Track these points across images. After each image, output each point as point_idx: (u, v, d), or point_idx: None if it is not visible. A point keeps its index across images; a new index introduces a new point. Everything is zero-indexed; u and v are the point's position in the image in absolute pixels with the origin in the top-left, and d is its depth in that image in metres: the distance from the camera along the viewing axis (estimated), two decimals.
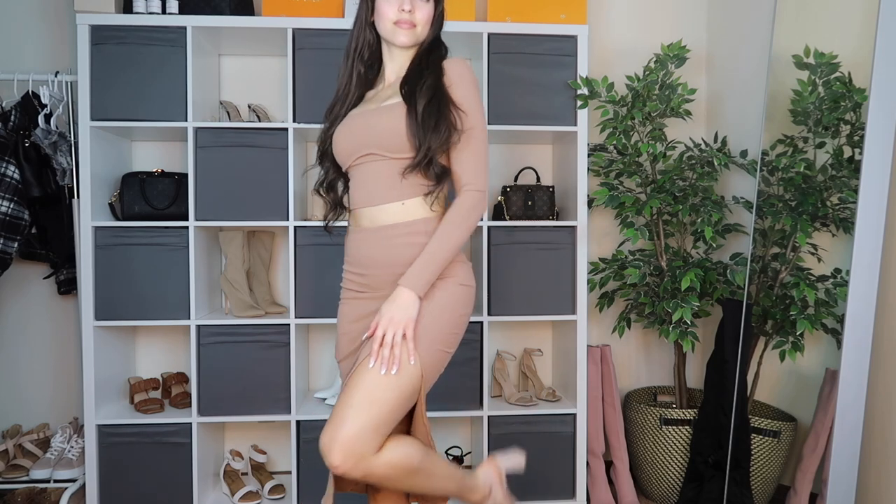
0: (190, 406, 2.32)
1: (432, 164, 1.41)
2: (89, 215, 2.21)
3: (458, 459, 2.47)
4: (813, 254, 2.26)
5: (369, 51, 1.53)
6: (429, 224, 1.44)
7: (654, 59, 2.39)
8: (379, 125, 1.43)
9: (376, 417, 1.32)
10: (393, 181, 1.43)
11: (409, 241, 1.43)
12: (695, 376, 2.76)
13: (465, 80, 1.44)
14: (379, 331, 1.36)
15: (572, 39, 2.32)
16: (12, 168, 2.27)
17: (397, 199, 1.44)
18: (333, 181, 1.56)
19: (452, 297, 1.44)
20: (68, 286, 2.46)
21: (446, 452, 2.52)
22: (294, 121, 2.25)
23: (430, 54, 1.49)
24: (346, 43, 1.55)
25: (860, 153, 1.88)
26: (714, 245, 2.37)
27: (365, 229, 1.48)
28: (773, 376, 2.44)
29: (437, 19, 1.50)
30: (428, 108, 1.38)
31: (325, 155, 1.55)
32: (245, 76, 2.59)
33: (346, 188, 1.56)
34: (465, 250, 2.63)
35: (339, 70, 1.57)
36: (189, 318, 2.24)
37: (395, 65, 1.53)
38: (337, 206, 1.60)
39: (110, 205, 2.35)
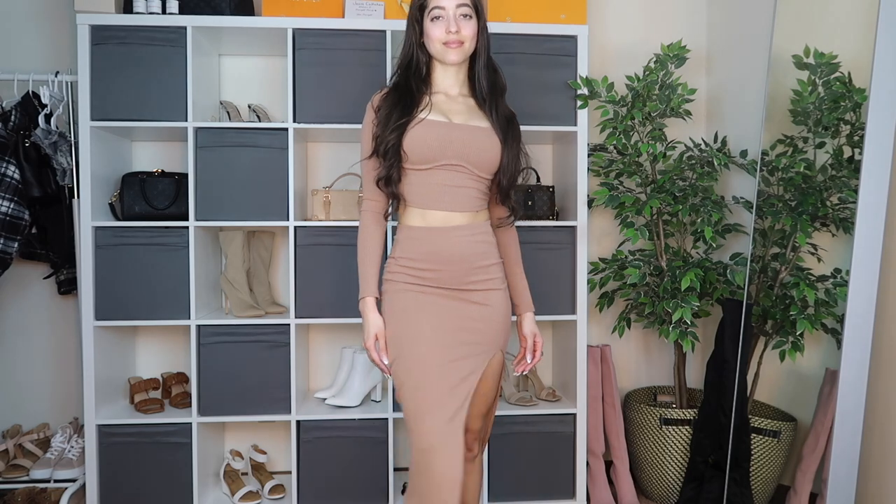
0: (190, 406, 2.32)
1: (509, 198, 1.69)
2: (89, 215, 2.21)
3: None
4: (813, 254, 2.26)
5: (426, 68, 1.66)
6: (489, 227, 1.68)
7: (654, 59, 2.39)
8: (481, 145, 1.59)
9: None
10: (471, 193, 1.62)
11: (480, 239, 1.63)
12: (695, 376, 2.76)
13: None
14: (539, 350, 1.75)
15: (572, 39, 2.32)
16: (12, 168, 2.27)
17: (472, 209, 1.62)
18: (393, 175, 1.61)
19: (506, 299, 1.70)
20: (68, 286, 2.46)
21: None
22: (294, 121, 2.25)
23: (499, 87, 1.68)
24: (399, 59, 1.68)
25: (860, 153, 1.88)
26: (714, 245, 2.37)
27: (435, 228, 1.60)
28: (773, 376, 2.44)
29: (482, 31, 1.63)
30: (517, 157, 1.67)
31: (389, 152, 1.59)
32: (245, 76, 2.59)
33: (400, 179, 1.63)
34: None
35: (392, 79, 1.69)
36: (189, 318, 2.24)
37: (450, 79, 1.66)
38: (396, 197, 1.65)
39: (110, 205, 2.35)
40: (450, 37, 1.56)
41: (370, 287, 1.63)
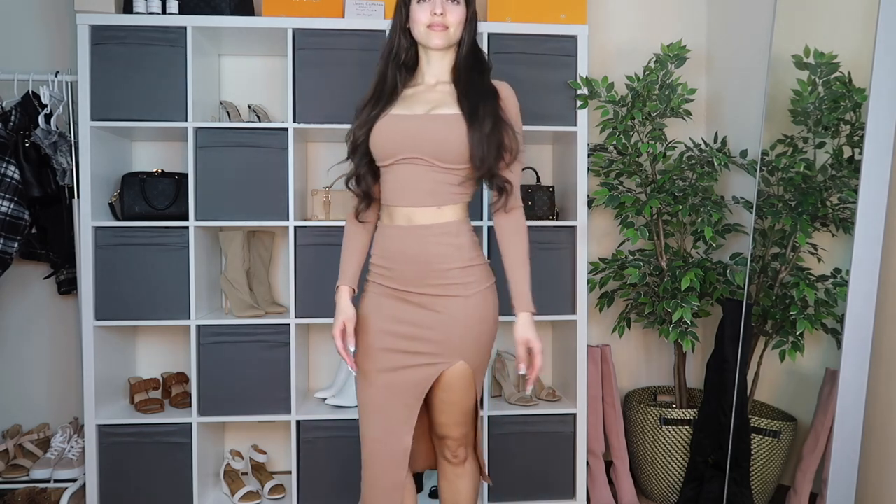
0: (190, 406, 2.32)
1: (495, 178, 1.53)
2: (89, 215, 2.21)
3: None
4: (813, 254, 2.26)
5: (405, 55, 1.59)
6: (459, 226, 1.55)
7: (654, 59, 2.39)
8: (437, 135, 1.50)
9: None
10: (433, 187, 1.52)
11: (441, 240, 1.53)
12: (695, 376, 2.76)
13: (517, 108, 1.59)
14: (538, 356, 1.57)
15: (572, 39, 2.32)
16: (12, 168, 2.27)
17: (434, 204, 1.53)
18: (363, 174, 1.59)
19: (490, 305, 1.59)
20: (68, 286, 2.46)
21: None
22: (294, 121, 2.25)
23: (477, 68, 1.57)
24: (382, 47, 1.62)
25: (860, 153, 1.88)
26: (714, 245, 2.37)
27: (399, 227, 1.55)
28: (773, 376, 2.44)
29: (471, 20, 1.57)
30: (493, 132, 1.50)
31: (357, 149, 1.58)
32: (245, 76, 2.59)
33: (376, 180, 1.61)
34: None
35: (375, 70, 1.63)
36: (189, 318, 2.24)
37: (433, 68, 1.59)
38: (367, 196, 1.62)
39: (110, 205, 2.35)
40: (434, 19, 1.50)
41: (345, 277, 1.63)
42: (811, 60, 2.14)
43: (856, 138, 2.05)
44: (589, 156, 2.45)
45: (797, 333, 2.16)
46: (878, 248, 1.86)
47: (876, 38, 1.82)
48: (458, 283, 1.54)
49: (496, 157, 1.50)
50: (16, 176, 2.28)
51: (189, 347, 2.31)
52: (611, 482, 2.53)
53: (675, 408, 2.49)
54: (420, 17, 1.52)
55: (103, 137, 2.30)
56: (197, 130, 2.24)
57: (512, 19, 2.34)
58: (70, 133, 2.34)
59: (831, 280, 2.19)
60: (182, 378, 2.50)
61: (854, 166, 2.02)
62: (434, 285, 1.54)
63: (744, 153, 2.44)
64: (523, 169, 2.61)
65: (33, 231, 2.40)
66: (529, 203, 2.41)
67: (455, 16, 1.52)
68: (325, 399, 2.39)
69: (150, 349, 2.59)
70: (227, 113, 2.48)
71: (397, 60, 1.59)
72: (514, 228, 1.59)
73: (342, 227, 2.26)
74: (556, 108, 2.33)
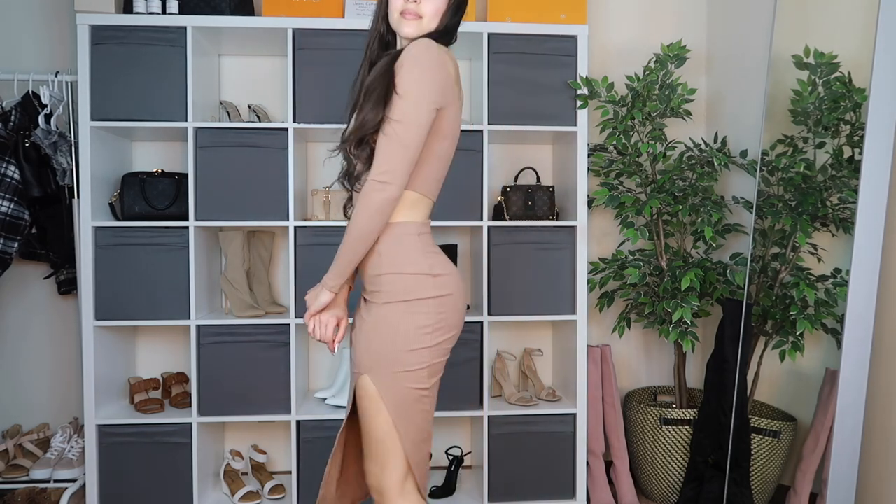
0: (190, 406, 2.32)
1: (363, 144, 1.35)
2: (89, 215, 2.21)
3: (459, 459, 2.48)
4: (813, 254, 2.26)
5: (379, 44, 1.48)
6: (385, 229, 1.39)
7: (654, 59, 2.39)
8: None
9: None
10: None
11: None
12: (695, 376, 2.76)
13: (409, 61, 1.32)
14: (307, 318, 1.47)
15: (572, 39, 2.33)
16: (12, 168, 2.27)
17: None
18: (351, 172, 1.49)
19: (380, 318, 1.38)
20: (68, 286, 2.46)
21: (446, 452, 2.52)
22: (294, 121, 2.25)
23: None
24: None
25: (860, 153, 1.88)
26: (714, 245, 2.37)
27: None
28: (773, 376, 2.44)
29: (451, 11, 1.43)
30: (370, 85, 1.34)
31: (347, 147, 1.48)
32: (245, 76, 2.59)
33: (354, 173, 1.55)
34: (465, 255, 2.63)
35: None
36: (189, 318, 2.24)
37: None
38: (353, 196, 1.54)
39: (110, 205, 2.35)
40: (408, 6, 1.39)
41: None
42: (811, 60, 2.14)
43: (856, 138, 2.05)
44: (589, 156, 2.45)
45: (797, 333, 2.16)
46: (878, 248, 1.86)
47: (876, 38, 1.82)
48: (378, 291, 1.39)
49: (370, 115, 1.32)
50: (16, 176, 2.28)
51: (189, 347, 2.31)
52: (611, 482, 2.53)
53: (675, 408, 2.49)
54: (395, 3, 1.41)
55: (103, 137, 2.30)
56: (197, 130, 2.24)
57: (512, 19, 2.34)
58: (70, 133, 2.34)
59: (831, 280, 2.19)
60: (182, 378, 2.50)
61: (854, 166, 2.02)
62: (368, 291, 1.43)
63: (744, 153, 2.44)
64: (524, 169, 2.62)
65: (33, 231, 2.40)
66: (529, 203, 2.42)
67: (431, 6, 1.39)
68: (325, 399, 2.39)
69: (150, 349, 2.59)
70: (227, 113, 2.48)
71: (372, 52, 1.48)
72: (358, 204, 1.36)
73: (342, 227, 2.27)
74: (556, 108, 2.33)
